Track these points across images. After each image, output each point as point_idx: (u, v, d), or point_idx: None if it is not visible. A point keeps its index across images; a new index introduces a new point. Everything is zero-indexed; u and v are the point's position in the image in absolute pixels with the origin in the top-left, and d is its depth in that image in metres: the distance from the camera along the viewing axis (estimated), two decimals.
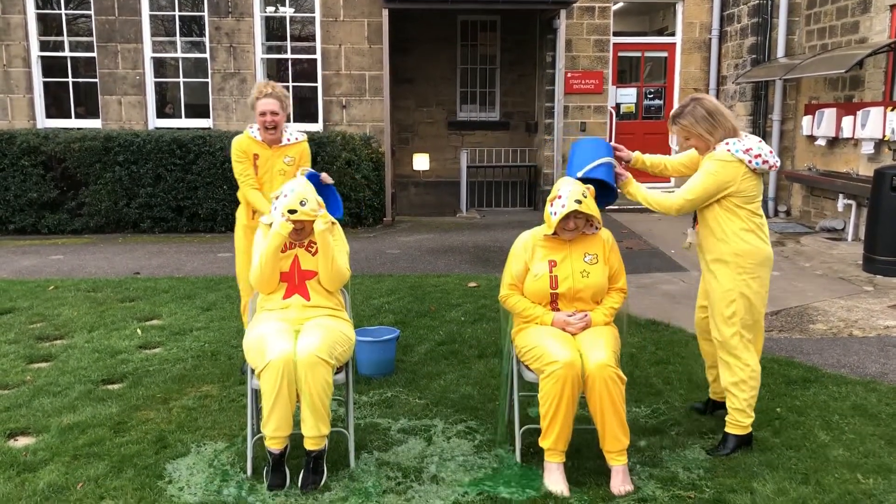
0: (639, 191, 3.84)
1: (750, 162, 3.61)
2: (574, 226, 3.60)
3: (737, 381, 3.73)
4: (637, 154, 4.09)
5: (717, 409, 4.17)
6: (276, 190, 3.83)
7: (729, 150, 3.62)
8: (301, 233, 3.71)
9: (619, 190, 3.87)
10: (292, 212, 3.58)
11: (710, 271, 3.78)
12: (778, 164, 3.72)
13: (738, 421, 3.76)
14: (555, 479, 3.42)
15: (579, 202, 3.52)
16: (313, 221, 3.65)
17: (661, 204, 3.77)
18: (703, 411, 4.24)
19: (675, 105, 12.65)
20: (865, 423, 4.09)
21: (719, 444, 3.81)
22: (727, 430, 3.79)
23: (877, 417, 4.15)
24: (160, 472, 3.59)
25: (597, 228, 3.73)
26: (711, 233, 3.73)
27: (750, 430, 3.78)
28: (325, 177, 4.20)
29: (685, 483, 3.46)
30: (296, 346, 3.45)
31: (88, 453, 3.77)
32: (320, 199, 3.71)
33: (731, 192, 3.63)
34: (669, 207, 3.75)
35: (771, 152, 3.67)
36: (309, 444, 3.47)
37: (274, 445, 3.46)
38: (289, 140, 4.82)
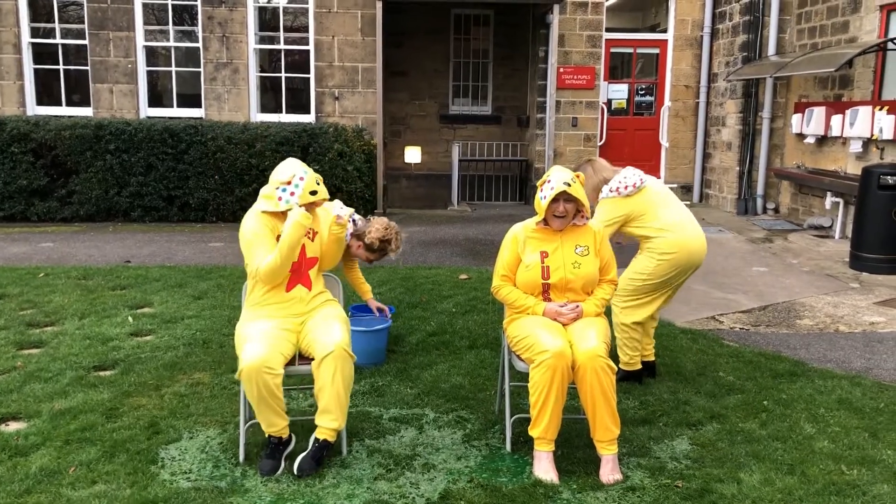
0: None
1: (618, 194, 4.42)
2: (563, 210, 3.62)
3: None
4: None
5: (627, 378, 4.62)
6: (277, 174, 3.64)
7: (603, 197, 4.47)
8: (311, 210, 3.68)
9: None
10: (314, 192, 3.56)
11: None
12: (640, 182, 4.43)
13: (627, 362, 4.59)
14: (544, 468, 3.46)
15: (568, 185, 3.57)
16: (317, 204, 3.66)
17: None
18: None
19: (666, 101, 12.75)
20: (850, 416, 4.15)
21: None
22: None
23: (861, 411, 4.22)
24: (152, 457, 3.61)
25: (586, 219, 3.76)
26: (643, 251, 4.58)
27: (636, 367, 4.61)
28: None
29: (673, 472, 3.51)
30: (313, 339, 3.49)
31: (80, 438, 3.78)
32: (319, 176, 3.70)
33: (622, 223, 4.45)
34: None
35: (634, 175, 4.45)
36: (323, 434, 3.49)
37: (273, 432, 3.49)
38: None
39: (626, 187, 4.41)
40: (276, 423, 3.48)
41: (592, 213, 4.30)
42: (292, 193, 3.53)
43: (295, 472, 3.43)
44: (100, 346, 5.17)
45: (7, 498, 3.20)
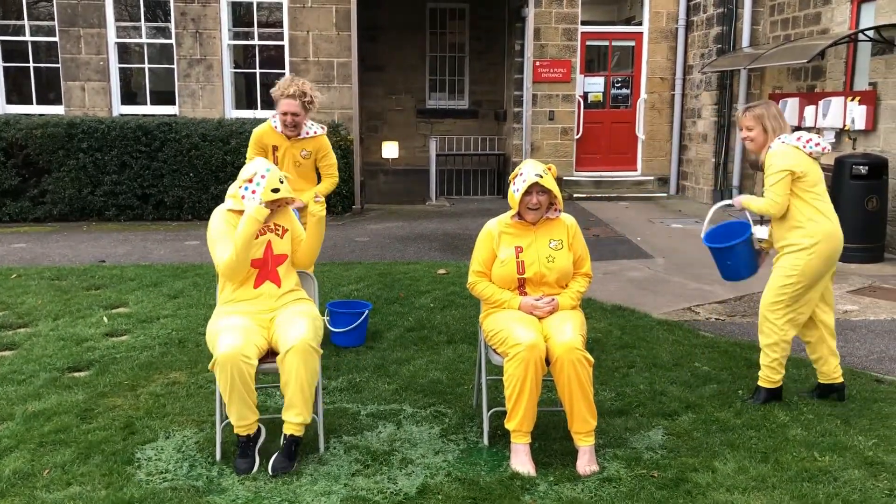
0: (748, 198, 4.24)
1: (804, 147, 4.01)
2: (537, 202, 3.63)
3: (770, 343, 4.16)
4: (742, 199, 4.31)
5: (826, 393, 4.29)
6: (247, 171, 3.66)
7: (783, 142, 4.04)
8: (274, 213, 3.68)
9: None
10: (275, 190, 3.55)
11: (782, 253, 4.14)
12: (828, 148, 4.11)
13: (768, 377, 4.19)
14: (521, 460, 3.48)
15: (540, 176, 3.58)
16: (288, 202, 3.65)
17: (762, 208, 4.10)
18: (820, 395, 4.30)
19: (642, 94, 12.81)
20: (823, 403, 4.20)
21: (752, 394, 4.26)
22: (760, 383, 4.23)
23: (834, 398, 4.27)
24: (128, 457, 3.58)
25: (558, 212, 3.77)
26: (787, 222, 4.08)
27: (780, 385, 4.22)
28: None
29: (649, 463, 3.54)
30: (278, 335, 3.47)
31: (55, 440, 3.74)
32: (286, 174, 3.71)
33: (798, 176, 3.98)
34: (768, 209, 4.08)
35: (821, 137, 4.07)
36: (289, 429, 3.48)
37: (241, 431, 3.47)
38: (307, 134, 5.03)
39: (816, 144, 4.03)
40: (246, 417, 3.44)
41: (757, 166, 4.19)
42: (254, 192, 3.55)
43: (269, 472, 3.42)
44: (74, 347, 5.12)
45: None
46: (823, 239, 4.02)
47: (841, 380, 4.26)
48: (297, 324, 3.48)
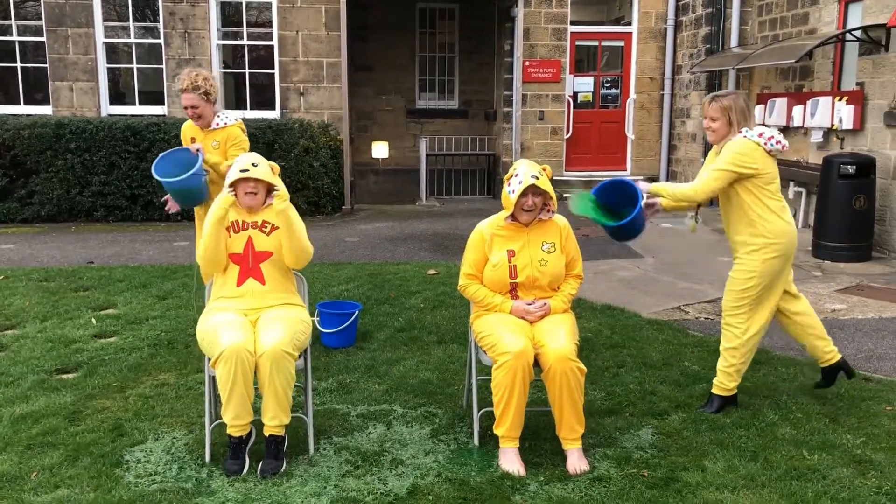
0: (661, 186, 4.09)
1: (765, 144, 3.90)
2: (532, 204, 3.62)
3: (730, 347, 4.06)
4: (650, 186, 4.13)
5: (832, 377, 4.25)
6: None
7: (745, 137, 3.92)
8: (255, 199, 3.63)
9: (647, 203, 4.02)
10: (244, 171, 3.54)
11: (736, 252, 4.05)
12: (787, 146, 4.01)
13: (723, 383, 4.09)
14: (510, 460, 3.47)
15: (536, 178, 3.57)
16: (267, 191, 3.63)
17: (688, 196, 4.00)
18: (826, 385, 4.29)
19: (632, 94, 12.84)
20: (812, 402, 4.22)
21: (706, 402, 4.15)
22: (713, 391, 4.13)
23: (822, 397, 4.30)
24: (117, 460, 3.56)
25: (551, 213, 3.77)
26: (739, 217, 3.98)
27: (735, 391, 4.11)
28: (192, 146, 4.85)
29: (639, 462, 3.55)
30: (256, 337, 3.45)
31: (42, 443, 3.71)
32: (274, 165, 3.69)
33: (752, 174, 3.88)
34: (697, 193, 3.96)
35: (780, 135, 3.96)
36: (268, 430, 3.48)
37: (235, 432, 3.46)
38: (217, 125, 5.10)
39: (777, 142, 3.90)
40: (241, 417, 3.43)
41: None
42: (228, 178, 3.66)
43: (259, 476, 3.41)
44: (62, 349, 5.08)
45: None
46: (776, 238, 3.93)
47: (836, 358, 4.21)
48: (274, 328, 3.46)
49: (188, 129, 5.23)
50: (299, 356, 3.57)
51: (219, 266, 3.67)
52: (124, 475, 3.42)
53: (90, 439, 3.76)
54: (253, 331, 3.51)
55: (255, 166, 3.58)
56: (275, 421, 3.45)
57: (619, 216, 4.06)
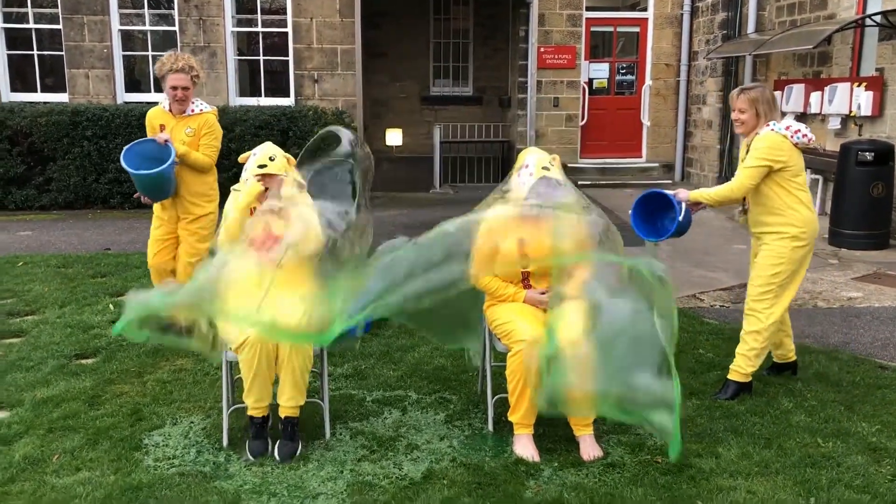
0: (700, 193, 4.16)
1: (791, 137, 3.98)
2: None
3: (752, 331, 4.10)
4: (689, 194, 4.20)
5: (781, 370, 4.45)
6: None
7: (773, 130, 4.01)
8: (269, 191, 3.69)
9: (687, 208, 4.13)
10: (262, 166, 3.61)
11: (762, 240, 4.11)
12: (814, 139, 4.09)
13: (741, 368, 4.13)
14: (524, 446, 3.50)
15: (547, 169, 3.56)
16: (281, 180, 3.66)
17: (728, 196, 4.08)
18: (778, 371, 4.46)
19: (647, 80, 12.76)
20: (827, 389, 4.22)
21: (721, 389, 4.18)
22: (730, 376, 4.18)
23: (838, 385, 4.29)
24: (136, 443, 3.61)
25: None
26: (766, 209, 4.05)
27: (750, 378, 4.16)
28: (159, 136, 4.76)
29: (652, 449, 3.57)
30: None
31: (63, 426, 3.78)
32: (290, 157, 3.75)
33: (781, 167, 3.96)
34: (732, 191, 4.04)
35: (807, 128, 4.05)
36: (284, 412, 3.53)
37: (257, 413, 3.51)
38: (192, 111, 4.98)
39: (804, 135, 4.00)
40: (263, 400, 3.50)
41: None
42: (246, 169, 3.72)
43: (278, 459, 3.45)
44: (81, 335, 5.15)
45: None
46: (804, 226, 4.02)
47: (794, 357, 4.44)
48: (294, 306, 3.50)
49: (157, 116, 5.01)
50: None
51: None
52: (143, 458, 3.48)
53: (110, 423, 3.82)
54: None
55: (272, 160, 3.65)
56: (291, 402, 3.50)
57: (654, 221, 4.24)
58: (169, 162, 4.70)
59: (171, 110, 4.96)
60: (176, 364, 4.64)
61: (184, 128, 4.93)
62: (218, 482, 3.28)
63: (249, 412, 3.52)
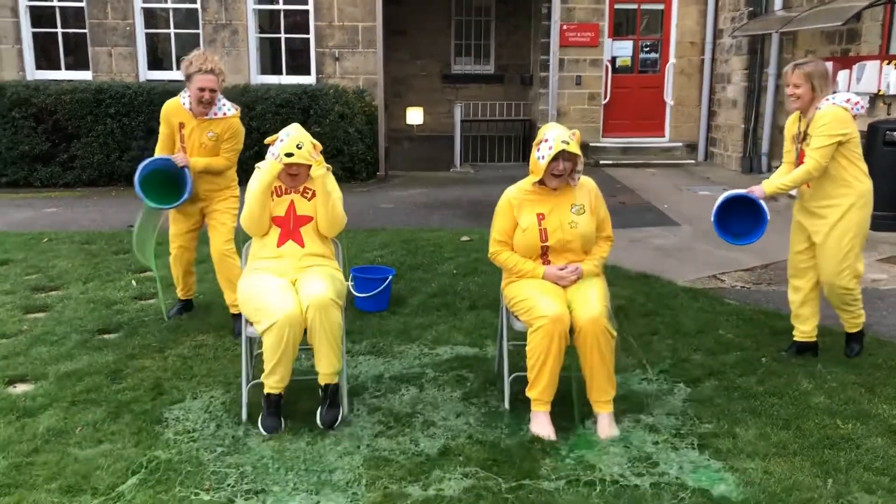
0: (776, 185, 4.20)
1: (852, 109, 4.05)
2: (563, 168, 3.58)
3: (851, 300, 4.29)
4: (765, 189, 4.23)
5: (802, 352, 4.44)
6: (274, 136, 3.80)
7: (834, 103, 4.05)
8: (296, 178, 3.73)
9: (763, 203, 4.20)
10: (289, 154, 3.60)
11: (822, 216, 4.18)
12: (866, 107, 4.13)
13: (856, 321, 4.36)
14: (541, 424, 3.50)
15: (566, 143, 3.53)
16: (309, 166, 3.68)
17: (805, 179, 4.12)
18: (793, 353, 4.48)
19: (671, 58, 12.59)
20: (847, 371, 4.18)
21: (848, 348, 4.39)
22: (851, 329, 4.40)
23: (859, 367, 4.24)
24: (157, 417, 3.67)
25: (579, 177, 3.71)
26: (833, 181, 4.12)
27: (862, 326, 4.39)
28: (178, 158, 4.66)
29: (670, 428, 3.56)
30: (298, 297, 3.52)
31: (86, 399, 3.84)
32: (317, 143, 3.72)
33: (847, 139, 4.04)
34: (810, 173, 4.07)
35: (864, 98, 4.17)
36: (325, 379, 3.57)
37: (275, 391, 3.56)
38: (215, 114, 4.73)
39: (861, 107, 4.10)
40: (284, 379, 3.54)
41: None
42: (272, 154, 3.67)
43: (322, 426, 3.53)
44: (104, 310, 5.22)
45: (16, 457, 3.27)
46: (868, 195, 4.16)
47: (816, 339, 4.46)
48: (315, 281, 3.57)
49: (176, 113, 4.73)
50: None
51: (261, 230, 3.75)
52: (164, 432, 3.53)
53: (131, 397, 3.88)
54: (295, 291, 3.58)
55: (300, 147, 3.61)
56: (329, 369, 3.55)
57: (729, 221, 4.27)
58: (187, 192, 4.66)
59: (191, 109, 4.71)
60: (196, 340, 4.70)
61: (206, 131, 4.71)
62: (237, 456, 3.32)
63: (267, 390, 3.56)
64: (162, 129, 4.82)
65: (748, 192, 4.18)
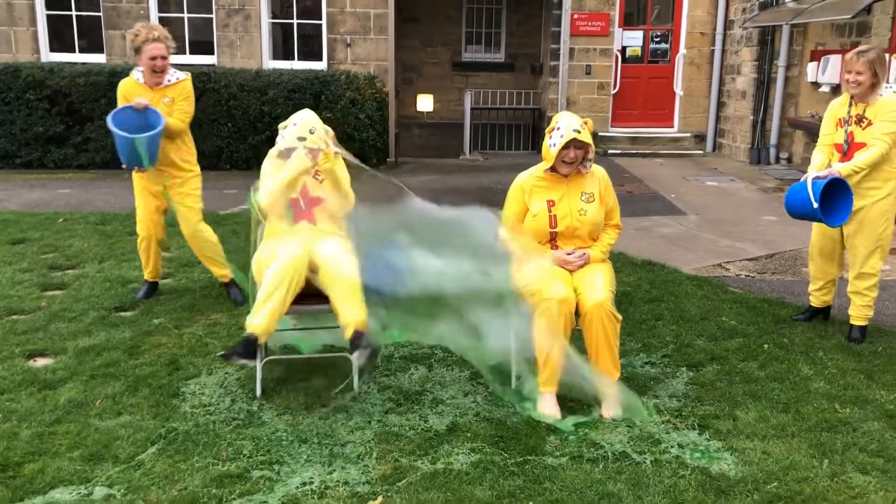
0: (852, 167, 4.28)
1: None
2: (574, 156, 3.67)
3: (871, 285, 4.49)
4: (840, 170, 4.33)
5: (816, 315, 4.84)
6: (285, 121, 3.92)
7: (894, 91, 4.30)
8: (312, 158, 3.80)
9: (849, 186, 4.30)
10: (301, 139, 3.68)
11: (865, 198, 4.34)
12: None
13: (866, 314, 4.54)
14: (547, 404, 3.60)
15: (578, 131, 3.61)
16: (320, 152, 3.77)
17: (876, 161, 4.24)
18: (807, 319, 4.84)
19: (682, 49, 12.61)
20: (847, 358, 4.26)
21: (850, 336, 4.53)
22: (856, 322, 4.55)
23: (859, 354, 4.33)
24: (174, 391, 3.79)
25: (590, 164, 3.80)
26: (877, 166, 4.27)
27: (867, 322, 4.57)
28: (139, 101, 4.67)
29: (672, 410, 3.65)
30: (312, 253, 3.66)
31: (105, 373, 3.96)
32: (328, 129, 3.81)
33: None
34: (882, 155, 4.23)
35: None
36: (352, 328, 3.61)
37: (254, 332, 3.58)
38: (169, 82, 4.89)
39: None
40: (268, 323, 3.58)
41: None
42: (283, 138, 3.78)
43: (359, 363, 3.63)
44: (119, 288, 5.34)
45: (39, 426, 3.39)
46: None
47: (831, 303, 4.81)
48: (329, 243, 3.71)
49: (131, 90, 4.86)
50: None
51: (279, 212, 3.85)
52: (181, 405, 3.65)
53: (148, 372, 4.00)
54: (306, 245, 3.72)
55: (312, 132, 3.71)
56: (355, 316, 3.59)
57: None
58: (161, 125, 4.66)
59: (145, 82, 4.85)
60: (210, 318, 4.81)
61: (161, 98, 4.86)
62: (251, 429, 3.43)
63: (250, 329, 3.58)
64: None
65: (830, 174, 4.24)
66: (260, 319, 3.58)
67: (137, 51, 4.76)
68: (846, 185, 4.23)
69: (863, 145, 4.26)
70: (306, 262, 3.61)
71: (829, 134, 4.49)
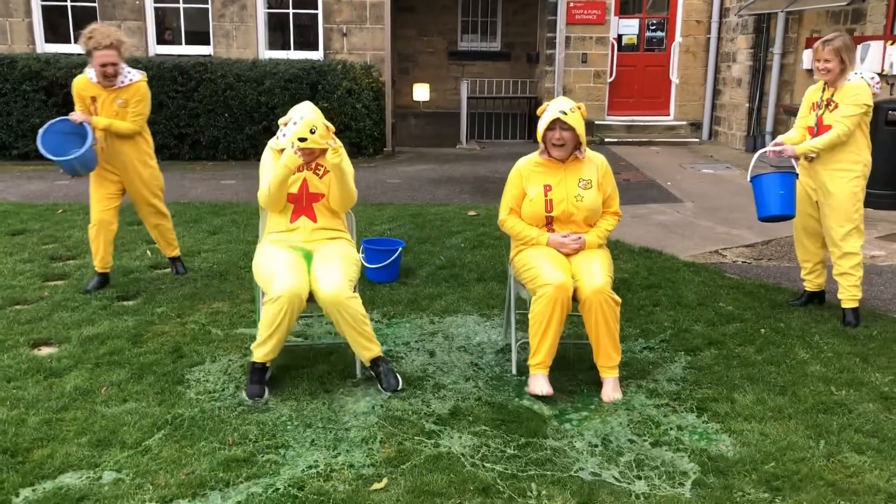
0: (808, 146, 4.50)
1: (873, 87, 4.46)
2: (560, 138, 3.70)
3: (855, 264, 4.57)
4: (796, 149, 4.57)
5: (812, 300, 4.92)
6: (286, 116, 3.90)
7: (862, 77, 4.44)
8: (310, 156, 3.78)
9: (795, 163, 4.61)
10: (302, 139, 3.66)
11: (834, 179, 4.50)
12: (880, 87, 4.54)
13: (855, 295, 4.59)
14: (538, 383, 3.63)
15: (563, 112, 3.65)
16: (323, 150, 3.76)
17: (836, 142, 4.42)
18: (802, 304, 4.92)
19: (677, 37, 12.62)
20: (843, 342, 4.32)
21: (844, 320, 4.59)
22: (847, 306, 4.61)
23: (855, 338, 4.39)
24: (178, 378, 3.82)
25: (583, 153, 3.83)
26: (844, 147, 4.43)
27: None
28: (75, 116, 4.79)
29: (670, 393, 3.71)
30: (312, 277, 3.62)
31: (109, 361, 4.00)
32: (329, 125, 3.79)
33: (867, 111, 4.42)
34: (840, 137, 4.39)
35: (878, 78, 4.57)
36: (368, 359, 3.73)
37: (260, 360, 3.66)
38: (122, 83, 4.95)
39: (877, 83, 4.52)
40: (273, 353, 3.65)
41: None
42: (284, 134, 3.76)
43: (386, 392, 3.67)
44: (121, 278, 5.37)
45: (46, 413, 3.43)
46: (868, 165, 4.52)
47: (824, 287, 4.91)
48: (331, 269, 3.63)
49: (85, 87, 4.95)
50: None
51: (278, 208, 3.84)
52: (186, 392, 3.69)
53: (152, 359, 4.03)
54: (307, 269, 3.69)
55: (313, 132, 3.64)
56: (368, 353, 3.71)
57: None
58: (87, 144, 4.72)
59: (99, 83, 4.92)
60: (213, 307, 4.85)
61: (115, 100, 4.94)
62: (256, 415, 3.48)
63: (253, 359, 3.67)
64: (77, 106, 5.00)
65: (784, 151, 4.51)
66: (266, 351, 3.63)
67: (89, 54, 4.85)
68: (788, 176, 4.46)
69: (829, 128, 4.44)
70: (305, 292, 3.58)
71: (804, 117, 4.69)
